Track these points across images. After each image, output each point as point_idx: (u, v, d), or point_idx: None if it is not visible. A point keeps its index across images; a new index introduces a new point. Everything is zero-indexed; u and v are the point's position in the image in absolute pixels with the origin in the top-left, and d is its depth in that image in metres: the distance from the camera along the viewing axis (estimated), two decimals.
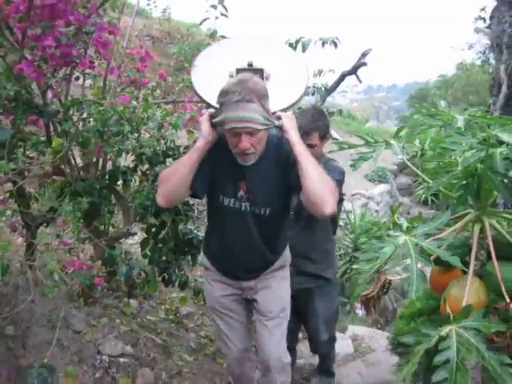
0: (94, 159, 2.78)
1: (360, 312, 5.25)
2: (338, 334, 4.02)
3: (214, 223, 2.38)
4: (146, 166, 2.83)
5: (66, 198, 2.55)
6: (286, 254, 2.43)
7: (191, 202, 3.28)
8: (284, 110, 2.10)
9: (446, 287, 1.38)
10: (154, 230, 2.89)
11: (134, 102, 2.51)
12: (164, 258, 2.92)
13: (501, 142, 1.18)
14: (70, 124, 2.38)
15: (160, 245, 2.94)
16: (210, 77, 2.23)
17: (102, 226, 2.97)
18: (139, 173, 2.89)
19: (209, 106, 2.15)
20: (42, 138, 2.59)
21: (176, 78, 3.42)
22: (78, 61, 2.24)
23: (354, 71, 4.44)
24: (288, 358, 2.45)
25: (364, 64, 4.38)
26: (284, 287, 2.42)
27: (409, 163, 1.42)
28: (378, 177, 12.33)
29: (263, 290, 2.34)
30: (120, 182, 2.84)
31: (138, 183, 2.93)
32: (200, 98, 2.24)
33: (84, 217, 2.68)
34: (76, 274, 2.35)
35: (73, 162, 2.74)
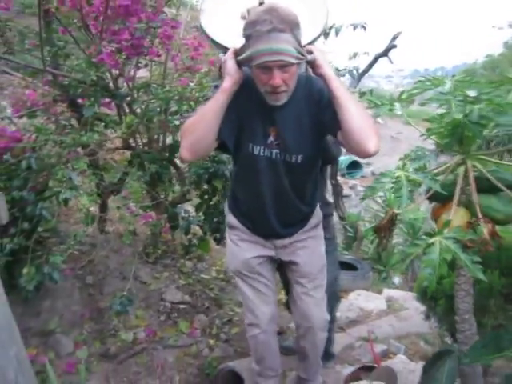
0: (156, 136, 3.27)
1: (397, 280, 5.55)
2: (373, 294, 4.42)
3: (243, 177, 2.16)
4: None
5: (134, 168, 3.06)
6: (318, 210, 2.32)
7: None
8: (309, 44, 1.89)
9: None
10: (206, 196, 3.33)
11: (192, 84, 2.96)
12: (215, 219, 3.34)
13: (480, 100, 1.57)
14: (140, 104, 2.86)
15: (211, 210, 3.39)
16: (220, 19, 2.03)
17: (163, 195, 3.44)
18: None
19: (224, 49, 1.94)
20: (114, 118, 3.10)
21: None
22: (146, 51, 2.70)
23: (385, 53, 4.79)
24: (328, 315, 2.41)
25: (394, 46, 4.72)
26: (321, 246, 2.32)
27: (410, 121, 1.79)
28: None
29: (301, 250, 2.23)
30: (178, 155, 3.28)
31: None
32: (213, 41, 2.03)
33: (148, 184, 3.16)
34: (148, 224, 2.81)
35: (138, 137, 3.23)
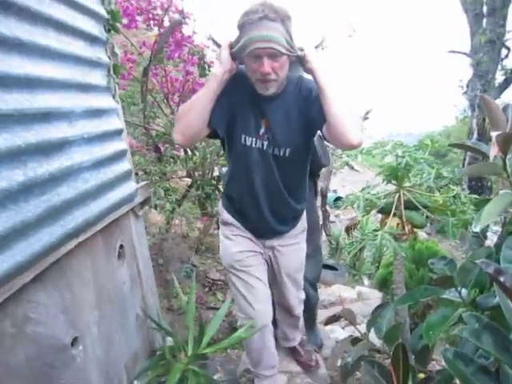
0: (208, 170, 3.80)
1: (366, 282, 5.94)
2: (348, 288, 4.84)
3: (237, 171, 1.76)
4: None
5: (193, 190, 3.58)
6: (305, 219, 2.03)
7: None
8: None
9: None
10: None
11: None
12: None
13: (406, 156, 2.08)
14: (200, 149, 3.41)
15: None
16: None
17: (210, 208, 3.94)
18: None
19: (218, 46, 1.66)
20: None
21: None
22: None
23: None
24: (303, 294, 2.22)
25: (367, 118, 5.25)
26: (304, 249, 2.06)
27: (368, 167, 2.29)
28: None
29: (287, 254, 1.96)
30: (222, 183, 3.80)
31: None
32: (212, 39, 1.64)
33: (203, 200, 3.68)
34: (203, 224, 3.31)
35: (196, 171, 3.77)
